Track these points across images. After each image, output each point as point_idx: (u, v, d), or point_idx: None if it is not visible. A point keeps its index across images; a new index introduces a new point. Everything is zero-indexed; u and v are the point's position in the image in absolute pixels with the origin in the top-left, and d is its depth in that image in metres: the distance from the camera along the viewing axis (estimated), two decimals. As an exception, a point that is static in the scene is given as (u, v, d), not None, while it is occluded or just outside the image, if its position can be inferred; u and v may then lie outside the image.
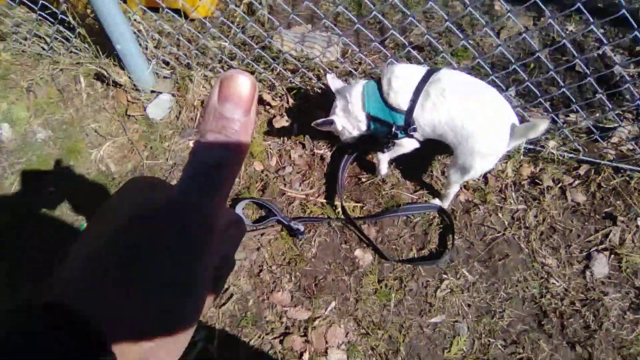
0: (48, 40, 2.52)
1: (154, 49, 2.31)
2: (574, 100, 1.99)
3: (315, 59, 2.19)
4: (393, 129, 1.75)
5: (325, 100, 2.03)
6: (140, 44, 2.22)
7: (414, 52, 2.01)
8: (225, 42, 2.23)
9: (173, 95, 2.33)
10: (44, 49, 2.58)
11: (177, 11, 2.28)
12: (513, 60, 1.90)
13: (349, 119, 1.84)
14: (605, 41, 1.83)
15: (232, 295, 1.86)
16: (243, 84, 0.32)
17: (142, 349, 0.30)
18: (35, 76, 2.49)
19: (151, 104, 2.31)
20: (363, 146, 2.04)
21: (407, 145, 1.87)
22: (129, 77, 2.29)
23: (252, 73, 2.29)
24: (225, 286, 1.88)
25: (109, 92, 2.40)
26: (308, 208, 2.02)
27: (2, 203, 2.13)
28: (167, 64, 2.38)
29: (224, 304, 1.85)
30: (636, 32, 1.56)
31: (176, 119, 2.30)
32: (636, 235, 1.94)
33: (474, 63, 2.09)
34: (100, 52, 2.30)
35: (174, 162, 2.20)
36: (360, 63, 2.26)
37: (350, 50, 2.34)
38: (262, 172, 2.13)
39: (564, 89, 1.87)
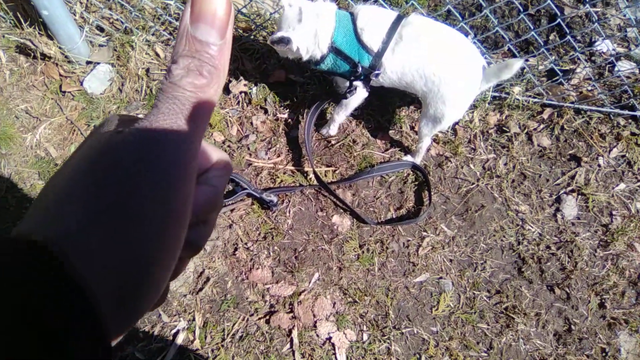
0: (-48, 10, 2.17)
1: (85, 13, 2.04)
2: (538, 43, 1.97)
3: (268, 14, 2.02)
4: (358, 69, 1.64)
5: (286, 59, 1.88)
6: (69, 9, 1.95)
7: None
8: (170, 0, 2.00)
9: (112, 65, 2.08)
10: (-52, 20, 2.22)
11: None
12: (485, 4, 1.84)
13: (309, 41, 1.63)
14: None
15: (208, 278, 1.75)
16: (218, 2, 0.29)
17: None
18: (-57, 54, 2.15)
19: (88, 76, 2.06)
20: (326, 97, 1.92)
21: (360, 95, 1.77)
22: (59, 48, 2.02)
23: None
24: (200, 270, 1.76)
25: (36, 67, 2.11)
26: (278, 177, 1.90)
27: None
28: (102, 30, 2.12)
29: (201, 289, 1.73)
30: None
31: (119, 91, 2.07)
32: (599, 174, 1.99)
33: (443, 11, 2.01)
34: (23, 21, 2.01)
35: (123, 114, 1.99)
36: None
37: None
38: (224, 142, 1.97)
39: (533, 33, 1.83)
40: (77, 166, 0.29)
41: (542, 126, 2.07)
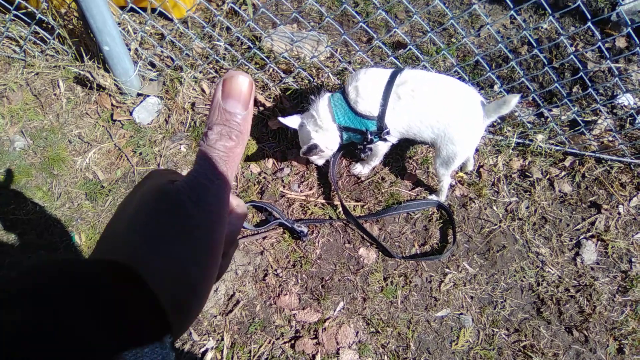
0: (21, 42, 2.40)
1: (140, 49, 2.24)
2: (562, 94, 2.08)
3: (307, 58, 2.19)
4: (367, 135, 1.79)
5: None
6: (126, 46, 2.14)
7: (399, 52, 2.04)
8: (219, 42, 2.18)
9: (161, 98, 2.26)
10: (15, 51, 2.45)
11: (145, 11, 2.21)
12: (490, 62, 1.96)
13: (325, 134, 1.85)
14: (560, 31, 1.94)
15: (238, 301, 1.84)
16: (242, 82, 0.38)
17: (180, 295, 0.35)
18: (8, 81, 2.36)
19: (138, 107, 2.24)
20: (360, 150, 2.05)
21: (382, 149, 1.92)
22: (114, 80, 2.20)
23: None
24: (231, 292, 1.86)
25: (91, 97, 2.31)
26: (309, 209, 2.01)
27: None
28: (154, 66, 2.31)
29: (230, 311, 1.82)
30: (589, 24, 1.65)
31: (165, 122, 2.23)
32: (619, 222, 2.05)
33: (472, 61, 2.15)
34: (84, 54, 2.21)
35: (166, 167, 2.14)
36: (350, 62, 2.27)
37: (338, 50, 2.35)
38: (260, 174, 2.11)
39: (556, 84, 1.95)
40: (142, 204, 0.37)
41: (563, 173, 2.15)
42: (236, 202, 0.45)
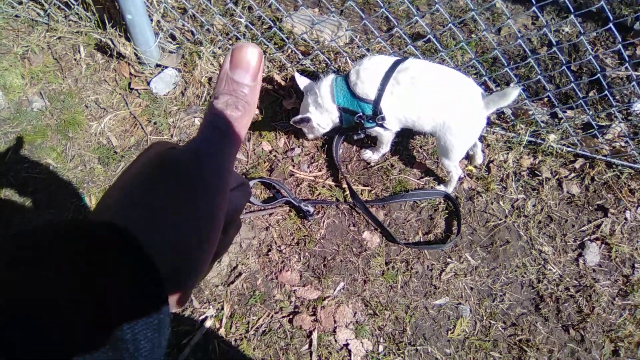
0: (45, 5, 2.43)
1: (163, 21, 2.26)
2: (577, 96, 2.07)
3: (326, 41, 2.20)
4: (358, 117, 1.82)
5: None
6: (149, 16, 2.17)
7: (418, 44, 2.05)
8: (241, 19, 2.20)
9: (179, 70, 2.29)
10: (39, 14, 2.48)
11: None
12: (507, 62, 1.97)
13: (322, 113, 1.89)
14: (581, 30, 1.94)
15: (240, 273, 1.87)
16: (252, 53, 0.37)
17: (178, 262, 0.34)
18: (31, 43, 2.40)
19: (155, 78, 2.27)
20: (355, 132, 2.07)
21: (382, 134, 1.93)
22: (134, 50, 2.23)
23: (264, 52, 2.28)
24: (234, 264, 1.89)
25: (110, 64, 2.34)
26: (317, 190, 2.03)
27: (-1, 172, 2.06)
28: (174, 38, 2.33)
29: (232, 282, 1.85)
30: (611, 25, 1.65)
31: (181, 95, 2.26)
32: (625, 227, 2.05)
33: (489, 56, 2.15)
34: (107, 22, 2.23)
35: (179, 138, 2.17)
36: (368, 49, 2.28)
37: (358, 36, 2.36)
38: (271, 152, 2.13)
39: (572, 84, 1.95)
40: (140, 171, 0.36)
41: (573, 175, 2.15)
42: (239, 181, 0.44)
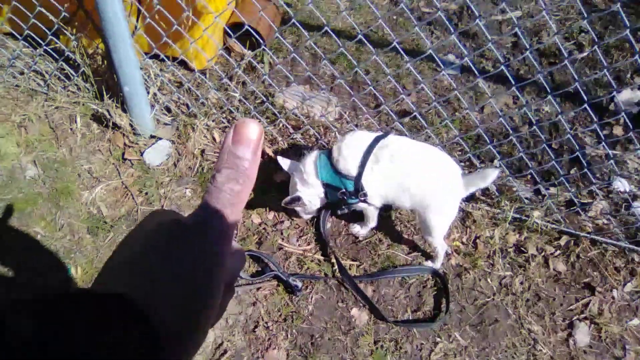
0: (46, 76, 2.51)
1: (159, 94, 2.34)
2: (559, 174, 2.14)
3: (317, 116, 2.28)
4: (340, 193, 1.84)
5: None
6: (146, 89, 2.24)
7: (405, 120, 2.14)
8: (235, 93, 2.29)
9: (172, 142, 2.34)
10: (39, 85, 2.55)
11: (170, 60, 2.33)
12: (489, 140, 2.05)
13: (309, 189, 1.92)
14: (559, 110, 2.04)
15: (225, 351, 1.82)
16: (253, 129, 0.40)
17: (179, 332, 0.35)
18: (29, 112, 2.45)
19: (149, 149, 2.31)
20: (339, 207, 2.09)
21: (366, 208, 1.96)
22: (130, 121, 2.29)
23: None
24: (219, 341, 1.84)
25: (105, 134, 2.39)
26: (305, 264, 2.03)
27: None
28: (169, 111, 2.41)
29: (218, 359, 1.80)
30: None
31: (174, 166, 2.30)
32: (612, 306, 2.05)
33: (473, 133, 2.23)
34: (104, 93, 2.31)
35: (170, 209, 2.18)
36: (357, 125, 2.36)
37: (347, 112, 2.46)
38: (260, 225, 2.14)
39: (554, 162, 2.02)
40: (140, 243, 0.38)
41: (558, 252, 2.18)
42: (236, 248, 0.45)
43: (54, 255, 2.01)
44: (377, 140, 1.80)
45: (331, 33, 2.16)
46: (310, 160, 1.90)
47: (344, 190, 1.84)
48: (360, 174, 1.79)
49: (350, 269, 2.03)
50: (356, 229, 2.11)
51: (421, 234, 2.14)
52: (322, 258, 2.06)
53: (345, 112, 2.44)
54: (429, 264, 2.06)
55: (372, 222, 2.04)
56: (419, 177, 1.75)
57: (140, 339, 0.31)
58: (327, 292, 1.98)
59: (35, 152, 2.35)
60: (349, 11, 3.02)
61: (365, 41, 2.07)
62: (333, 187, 1.87)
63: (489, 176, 1.68)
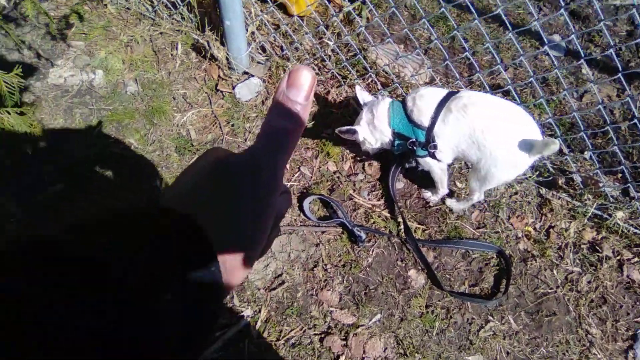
0: (155, 3, 2.64)
1: (257, 33, 2.40)
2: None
3: (407, 77, 2.26)
4: (410, 143, 1.84)
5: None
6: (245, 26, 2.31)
7: (497, 94, 2.06)
8: (330, 41, 2.30)
9: (263, 81, 2.41)
10: (147, 10, 2.69)
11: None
12: (583, 128, 1.94)
13: (373, 132, 1.94)
14: None
15: (283, 282, 1.91)
16: (306, 75, 0.42)
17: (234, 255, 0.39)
18: (135, 33, 2.60)
19: (241, 84, 2.40)
20: (406, 160, 2.09)
21: (433, 165, 1.93)
22: (227, 55, 2.38)
23: (345, 77, 2.37)
24: (279, 272, 1.93)
25: (202, 64, 2.50)
26: (372, 218, 2.06)
27: (86, 142, 2.23)
28: (264, 50, 2.47)
29: (274, 289, 1.90)
30: None
31: (262, 104, 2.37)
32: (685, 326, 1.93)
33: (567, 118, 2.13)
34: (206, 25, 2.40)
35: (251, 143, 2.27)
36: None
37: (439, 78, 2.41)
38: (334, 173, 2.18)
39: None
40: (199, 173, 0.42)
41: (636, 259, 2.06)
42: (285, 188, 0.48)
43: (144, 166, 2.17)
44: (451, 93, 1.80)
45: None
46: (384, 106, 1.91)
47: (414, 140, 1.83)
48: (432, 124, 1.78)
49: (415, 231, 2.04)
50: (427, 194, 2.10)
51: (468, 178, 2.06)
52: (389, 215, 2.08)
53: (437, 77, 2.39)
54: (453, 202, 2.07)
55: (443, 187, 2.01)
56: (490, 129, 1.68)
57: (200, 256, 0.35)
58: (389, 249, 2.01)
59: (138, 71, 2.50)
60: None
61: (470, 5, 2.01)
62: (403, 137, 1.87)
63: (549, 146, 1.58)
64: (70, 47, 2.59)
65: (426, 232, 2.05)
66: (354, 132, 1.95)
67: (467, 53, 2.08)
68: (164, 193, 0.46)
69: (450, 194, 2.12)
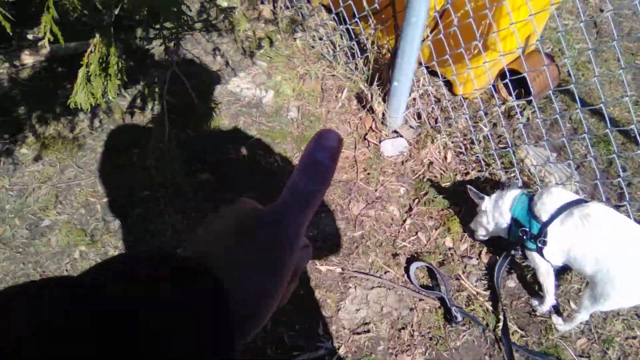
0: (337, 49, 2.96)
1: (418, 100, 2.57)
2: None
3: (551, 184, 2.25)
4: (522, 231, 1.86)
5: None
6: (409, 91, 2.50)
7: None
8: (485, 127, 2.39)
9: (409, 143, 2.56)
10: (328, 52, 3.02)
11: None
12: None
13: (495, 209, 1.99)
14: None
15: (369, 330, 1.97)
16: (333, 138, 0.42)
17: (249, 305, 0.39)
18: (312, 69, 2.93)
19: (388, 140, 2.57)
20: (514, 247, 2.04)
21: (539, 263, 1.90)
22: (385, 111, 2.57)
23: (488, 165, 2.42)
24: (368, 321, 2.00)
25: (359, 113, 2.72)
26: (473, 305, 2.05)
27: (239, 146, 2.55)
28: (419, 117, 2.63)
29: (358, 333, 1.96)
30: None
31: (401, 164, 2.51)
32: None
33: None
34: (375, 80, 2.64)
35: (379, 195, 2.41)
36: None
37: (584, 196, 2.35)
38: (449, 249, 2.22)
39: None
40: (224, 225, 0.43)
41: None
42: (305, 244, 0.48)
43: (279, 181, 2.41)
44: (581, 200, 1.81)
45: (604, 114, 2.09)
46: (513, 193, 1.98)
47: (527, 229, 1.86)
48: (549, 221, 1.80)
49: (512, 334, 1.98)
50: (535, 302, 2.04)
51: (581, 293, 2.02)
52: (491, 309, 2.05)
53: (582, 194, 2.34)
54: (559, 321, 1.99)
55: (548, 293, 1.95)
56: (611, 246, 1.67)
57: (216, 313, 0.35)
58: (480, 341, 1.97)
59: (303, 101, 2.81)
60: (634, 102, 2.84)
61: (638, 136, 1.97)
62: (519, 224, 1.91)
63: None
64: (254, 64, 3.00)
65: (524, 338, 1.98)
66: (481, 197, 2.05)
67: (620, 179, 2.03)
68: (191, 236, 0.52)
69: (559, 312, 2.03)
